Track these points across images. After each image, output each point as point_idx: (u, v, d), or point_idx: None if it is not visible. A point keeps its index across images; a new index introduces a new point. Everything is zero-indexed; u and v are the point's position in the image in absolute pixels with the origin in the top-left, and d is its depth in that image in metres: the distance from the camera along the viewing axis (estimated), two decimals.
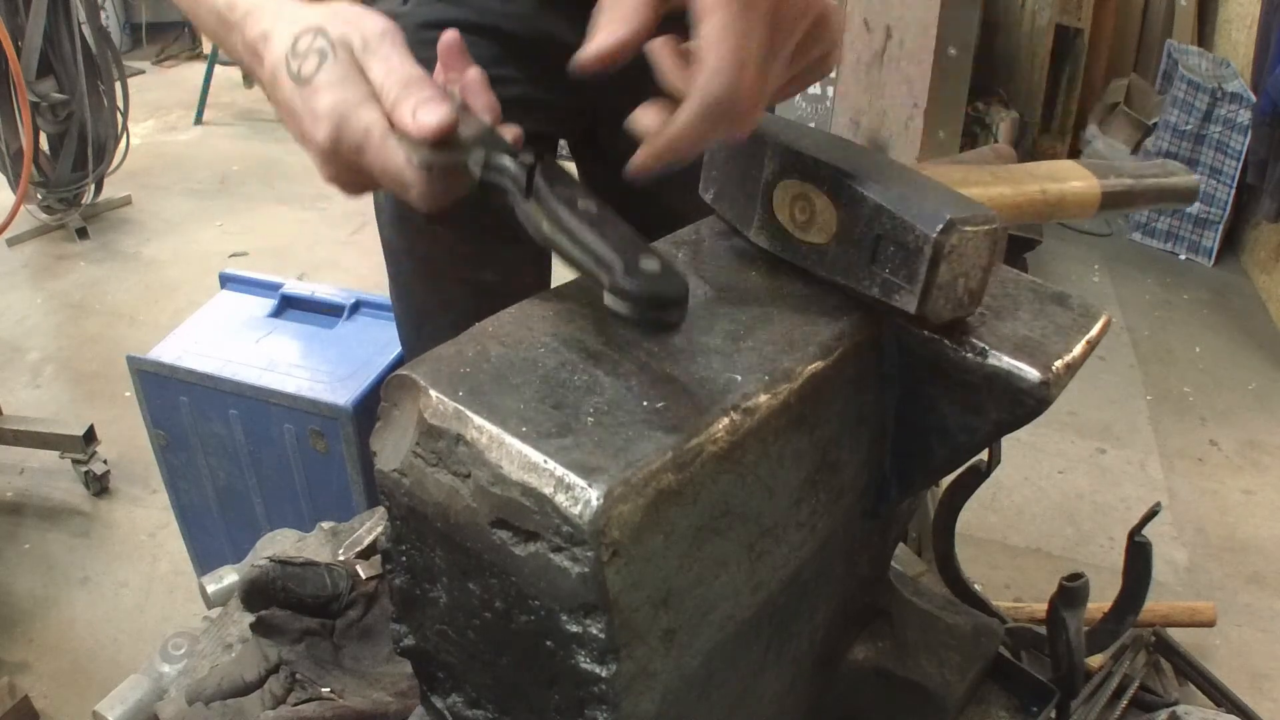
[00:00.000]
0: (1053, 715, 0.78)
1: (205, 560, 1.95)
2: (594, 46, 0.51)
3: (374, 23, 0.60)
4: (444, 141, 0.54)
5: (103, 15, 3.78)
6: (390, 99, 0.57)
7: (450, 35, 0.63)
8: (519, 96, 1.04)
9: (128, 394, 2.37)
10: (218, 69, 4.98)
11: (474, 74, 0.61)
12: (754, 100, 0.51)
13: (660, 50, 0.53)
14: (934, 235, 0.50)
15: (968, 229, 0.50)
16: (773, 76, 0.52)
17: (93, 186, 3.81)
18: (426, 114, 0.55)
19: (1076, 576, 0.74)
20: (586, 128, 1.13)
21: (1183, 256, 3.93)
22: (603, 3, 0.52)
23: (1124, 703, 1.49)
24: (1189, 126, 3.71)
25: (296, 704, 0.80)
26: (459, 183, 0.57)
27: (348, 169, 0.59)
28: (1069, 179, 0.70)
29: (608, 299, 0.45)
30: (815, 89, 3.18)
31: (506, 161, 0.54)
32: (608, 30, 0.51)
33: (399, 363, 1.70)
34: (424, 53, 1.11)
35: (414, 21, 1.04)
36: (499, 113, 0.60)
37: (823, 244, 0.55)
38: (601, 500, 0.41)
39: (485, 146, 0.55)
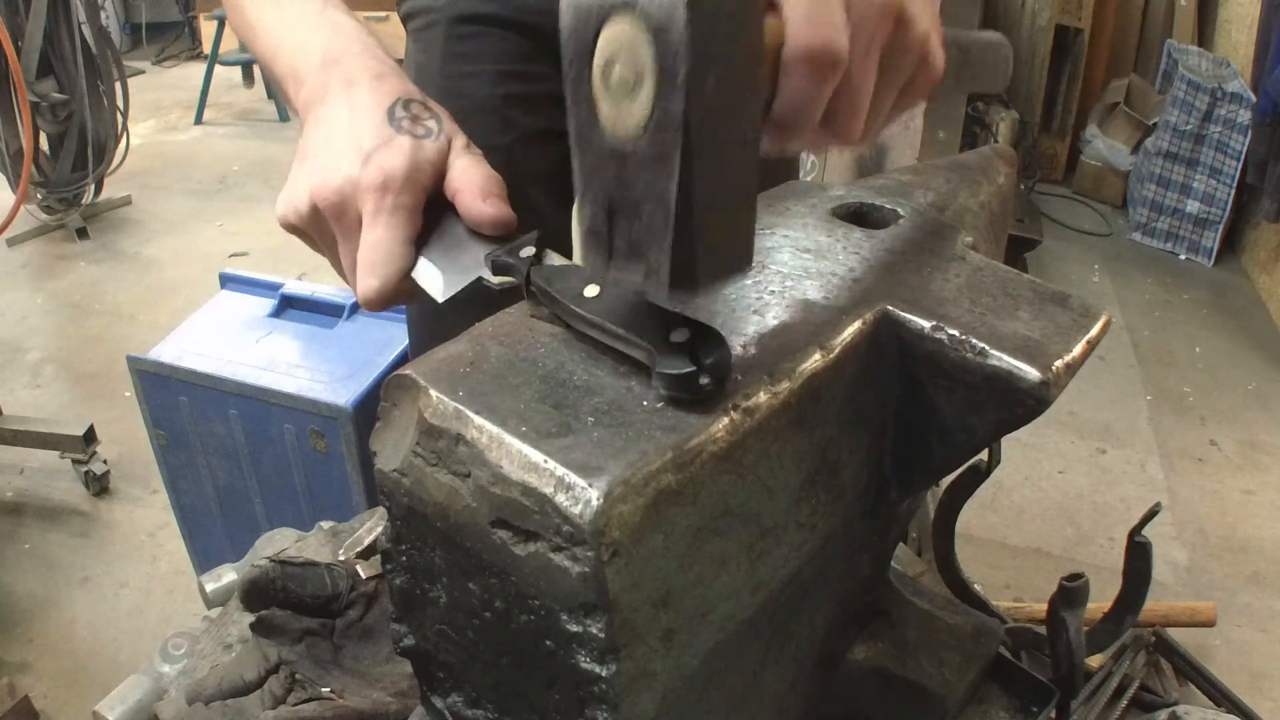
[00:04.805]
0: (1053, 715, 0.78)
1: (205, 560, 1.95)
2: None
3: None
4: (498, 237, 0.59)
5: (103, 15, 3.78)
6: (464, 182, 0.60)
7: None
8: (549, 93, 1.04)
9: (128, 394, 2.37)
10: (218, 69, 4.99)
11: None
12: (860, 86, 0.50)
13: None
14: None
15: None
16: (875, 80, 0.52)
17: (93, 186, 3.82)
18: (494, 204, 0.59)
19: (1076, 576, 0.74)
20: None
21: (1183, 256, 3.93)
22: None
23: (1124, 703, 1.49)
24: (1189, 126, 3.71)
25: (296, 704, 0.79)
26: (410, 291, 0.61)
27: (344, 210, 0.60)
28: None
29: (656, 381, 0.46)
30: None
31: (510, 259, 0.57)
32: None
33: (399, 363, 1.70)
34: (458, 46, 1.11)
35: (448, 15, 1.04)
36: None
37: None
38: (601, 500, 0.41)
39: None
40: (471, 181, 0.60)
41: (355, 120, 0.61)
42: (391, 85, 0.63)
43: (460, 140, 0.62)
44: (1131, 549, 0.75)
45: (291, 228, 0.64)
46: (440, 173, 0.61)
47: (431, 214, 0.61)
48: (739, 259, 0.48)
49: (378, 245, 0.59)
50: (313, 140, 0.62)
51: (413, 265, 0.60)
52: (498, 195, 0.60)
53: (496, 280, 0.57)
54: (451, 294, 0.58)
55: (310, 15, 0.69)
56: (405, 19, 1.10)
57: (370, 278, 0.60)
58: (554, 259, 0.55)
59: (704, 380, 0.45)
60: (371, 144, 0.59)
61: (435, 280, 0.59)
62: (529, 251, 0.56)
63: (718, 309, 0.55)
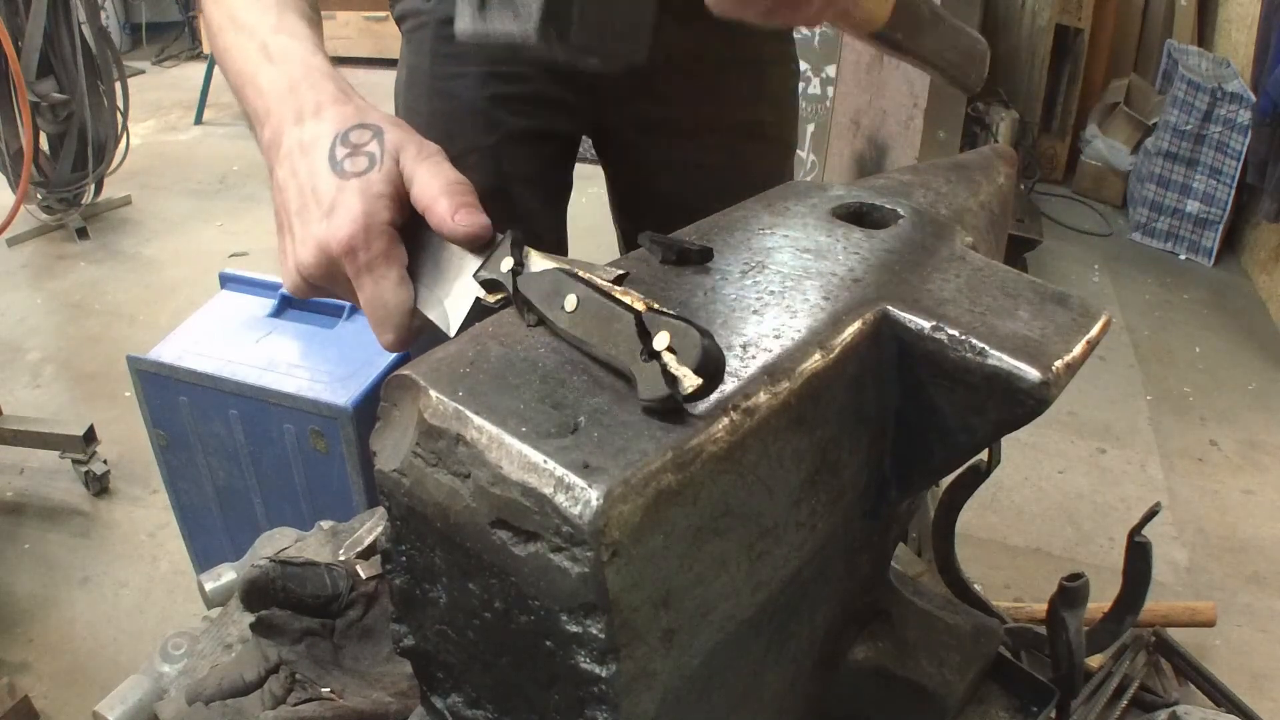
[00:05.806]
0: (1053, 715, 0.78)
1: (205, 560, 1.94)
2: None
3: (430, 143, 0.62)
4: (476, 248, 0.58)
5: (103, 15, 3.78)
6: (430, 196, 0.58)
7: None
8: (535, 93, 1.04)
9: (128, 394, 2.37)
10: (218, 69, 4.98)
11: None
12: None
13: None
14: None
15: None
16: None
17: (93, 186, 3.81)
18: (465, 216, 0.58)
19: (1076, 576, 0.74)
20: (609, 126, 1.13)
21: (1183, 256, 3.93)
22: None
23: (1124, 703, 1.49)
24: (1189, 126, 3.71)
25: (296, 704, 0.79)
26: (423, 324, 0.61)
27: (333, 274, 0.60)
28: None
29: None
30: (816, 89, 3.18)
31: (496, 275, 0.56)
32: None
33: (399, 363, 1.70)
34: (446, 48, 1.12)
35: (437, 18, 1.04)
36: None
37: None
38: (601, 500, 0.41)
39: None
40: (436, 197, 0.58)
41: (306, 174, 0.60)
42: (329, 117, 0.62)
43: (411, 149, 0.61)
44: (1131, 549, 0.75)
45: (304, 297, 0.65)
46: (399, 196, 0.60)
47: (411, 229, 0.61)
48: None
49: (374, 302, 0.60)
50: (280, 206, 0.62)
51: (414, 297, 0.60)
52: (466, 204, 0.59)
53: (493, 299, 0.57)
54: (460, 325, 0.59)
55: (261, 40, 0.67)
56: (398, 20, 1.11)
57: (385, 333, 0.61)
58: (534, 260, 0.55)
59: (689, 389, 0.44)
60: (327, 199, 0.59)
61: (442, 317, 0.60)
62: (509, 264, 0.55)
63: (718, 309, 0.55)
